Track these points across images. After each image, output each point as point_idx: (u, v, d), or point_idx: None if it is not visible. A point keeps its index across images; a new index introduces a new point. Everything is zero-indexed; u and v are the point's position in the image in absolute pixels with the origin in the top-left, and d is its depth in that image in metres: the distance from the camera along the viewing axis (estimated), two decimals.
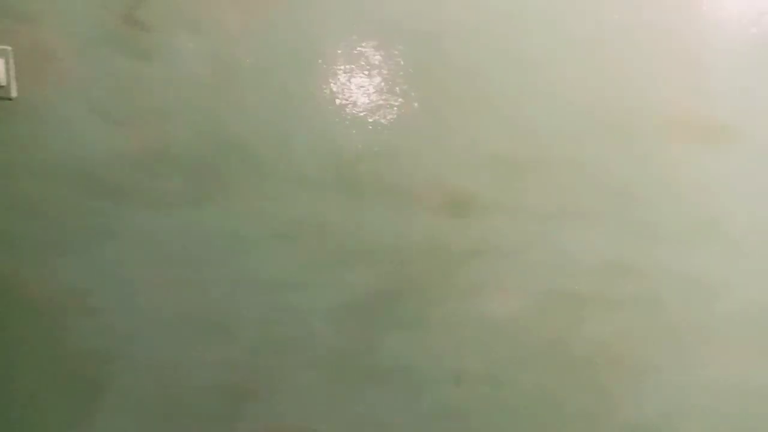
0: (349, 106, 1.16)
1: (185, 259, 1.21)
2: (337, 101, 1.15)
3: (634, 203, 1.19)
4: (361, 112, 1.16)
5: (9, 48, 1.13)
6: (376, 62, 1.14)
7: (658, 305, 1.24)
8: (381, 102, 1.16)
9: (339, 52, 1.14)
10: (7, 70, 1.13)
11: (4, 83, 1.13)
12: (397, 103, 1.16)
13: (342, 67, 1.15)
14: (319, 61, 1.14)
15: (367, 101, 1.15)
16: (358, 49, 1.14)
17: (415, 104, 1.15)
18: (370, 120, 1.16)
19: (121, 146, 1.16)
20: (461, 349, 1.27)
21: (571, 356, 1.26)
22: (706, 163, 1.17)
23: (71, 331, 1.23)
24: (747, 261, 1.21)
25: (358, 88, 1.15)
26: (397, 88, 1.15)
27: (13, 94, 1.14)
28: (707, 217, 1.20)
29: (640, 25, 1.11)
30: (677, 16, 1.11)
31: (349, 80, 1.15)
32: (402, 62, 1.14)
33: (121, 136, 1.16)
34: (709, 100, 1.14)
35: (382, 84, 1.15)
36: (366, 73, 1.15)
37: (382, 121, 1.17)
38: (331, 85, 1.15)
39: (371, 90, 1.15)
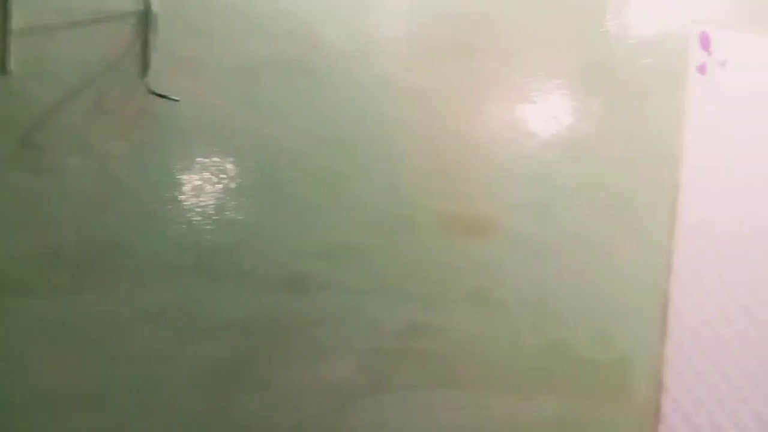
0: (209, 207, 1.52)
1: (68, 340, 1.46)
2: (200, 205, 1.51)
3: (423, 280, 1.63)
4: (217, 212, 1.52)
5: None
6: (229, 170, 1.53)
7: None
8: (234, 203, 1.53)
9: (197, 164, 1.51)
10: None
11: None
12: (246, 204, 1.54)
13: (200, 176, 1.51)
14: (182, 175, 1.51)
15: (222, 203, 1.52)
16: (213, 159, 1.52)
17: (261, 204, 1.54)
18: (225, 217, 1.53)
19: (15, 248, 1.43)
20: (301, 404, 1.59)
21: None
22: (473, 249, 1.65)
23: None
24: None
25: (215, 193, 1.52)
26: (246, 192, 1.53)
27: None
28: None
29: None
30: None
31: (206, 186, 1.52)
32: (250, 169, 1.53)
33: (15, 240, 1.43)
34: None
35: (233, 188, 1.53)
36: (221, 178, 1.52)
37: (236, 217, 1.53)
38: (192, 193, 1.51)
39: (224, 194, 1.52)
